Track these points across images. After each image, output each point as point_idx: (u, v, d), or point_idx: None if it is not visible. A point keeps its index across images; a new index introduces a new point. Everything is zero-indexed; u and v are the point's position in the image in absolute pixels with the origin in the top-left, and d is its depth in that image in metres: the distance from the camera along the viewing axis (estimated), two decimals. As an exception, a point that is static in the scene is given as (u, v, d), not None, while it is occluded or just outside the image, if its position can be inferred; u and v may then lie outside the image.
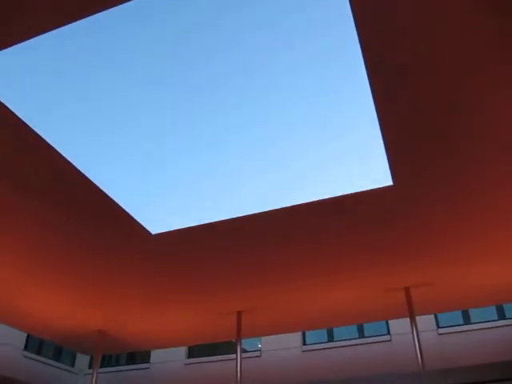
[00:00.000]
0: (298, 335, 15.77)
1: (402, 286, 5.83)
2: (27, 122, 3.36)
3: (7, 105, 3.19)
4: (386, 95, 3.19)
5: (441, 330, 14.25)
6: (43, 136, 3.51)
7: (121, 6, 2.54)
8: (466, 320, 14.45)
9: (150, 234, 4.69)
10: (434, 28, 2.79)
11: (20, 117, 3.30)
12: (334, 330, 15.55)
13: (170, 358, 17.10)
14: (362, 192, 4.05)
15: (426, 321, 14.59)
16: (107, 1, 2.56)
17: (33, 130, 3.44)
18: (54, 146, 3.61)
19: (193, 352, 17.05)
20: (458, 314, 14.66)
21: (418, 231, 4.63)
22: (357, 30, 2.76)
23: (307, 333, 15.92)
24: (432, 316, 14.52)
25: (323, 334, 15.69)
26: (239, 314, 6.58)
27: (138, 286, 5.81)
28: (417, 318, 14.44)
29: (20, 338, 15.89)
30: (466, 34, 2.81)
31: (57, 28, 2.69)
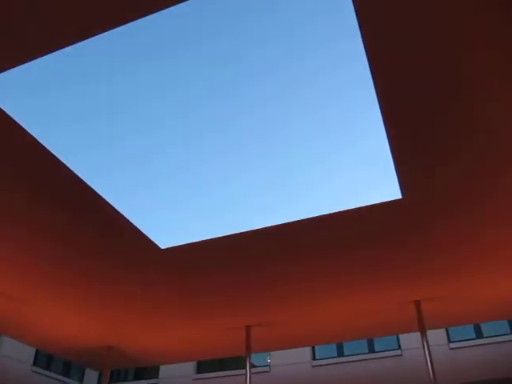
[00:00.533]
0: (307, 350, 15.65)
1: (412, 300, 5.78)
2: (36, 136, 3.41)
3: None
4: (394, 106, 3.20)
5: (452, 345, 14.07)
6: (52, 150, 3.55)
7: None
8: (478, 334, 14.27)
9: (159, 248, 4.70)
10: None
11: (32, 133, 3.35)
12: (344, 344, 15.42)
13: (178, 374, 17.00)
14: (370, 205, 4.04)
15: (437, 335, 14.43)
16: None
17: (44, 146, 3.48)
18: (63, 160, 3.65)
19: (201, 367, 16.95)
20: (470, 328, 14.49)
21: (429, 244, 4.60)
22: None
23: (317, 347, 15.80)
24: (443, 330, 14.37)
25: (333, 348, 15.56)
26: (248, 328, 6.55)
27: (148, 302, 5.80)
28: (428, 332, 14.29)
29: (29, 353, 15.90)
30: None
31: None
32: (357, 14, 2.62)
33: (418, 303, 5.81)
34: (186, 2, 2.55)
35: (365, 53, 2.84)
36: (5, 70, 2.90)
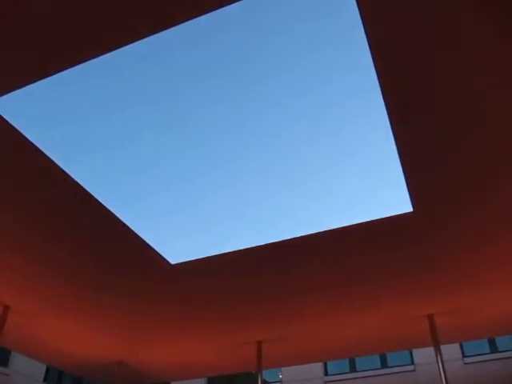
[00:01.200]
0: (319, 365, 15.47)
1: (426, 314, 5.71)
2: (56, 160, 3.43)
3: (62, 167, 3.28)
4: (403, 117, 3.19)
5: (466, 359, 13.85)
6: (63, 167, 3.57)
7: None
8: (493, 348, 14.03)
9: (170, 263, 4.70)
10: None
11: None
12: (356, 359, 15.23)
13: (189, 390, 16.87)
14: (381, 219, 4.02)
15: (451, 349, 14.21)
16: (127, 36, 2.62)
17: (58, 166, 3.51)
18: (70, 173, 3.67)
19: None
20: (485, 342, 14.27)
21: (441, 257, 4.55)
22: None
23: (329, 363, 15.62)
24: (457, 344, 14.17)
25: (345, 364, 15.37)
26: (259, 343, 6.50)
27: (158, 317, 5.78)
28: (442, 346, 14.08)
29: (39, 369, 15.87)
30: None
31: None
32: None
33: (431, 317, 5.74)
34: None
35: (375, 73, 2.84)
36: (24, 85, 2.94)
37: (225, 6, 2.46)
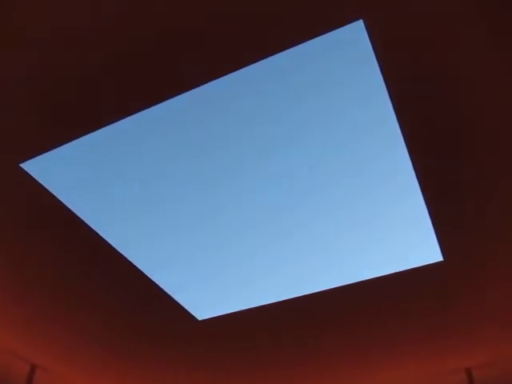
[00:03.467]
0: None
1: (463, 367, 5.47)
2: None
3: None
4: (429, 165, 3.18)
5: (509, 415, 13.05)
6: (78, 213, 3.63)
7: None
8: (537, 402, 13.23)
9: (197, 319, 4.64)
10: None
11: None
12: (391, 416, 14.49)
13: None
14: (410, 269, 3.94)
15: (491, 404, 13.45)
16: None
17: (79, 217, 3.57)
18: (95, 228, 3.72)
19: None
20: (527, 395, 13.48)
21: (476, 307, 4.40)
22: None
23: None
24: (498, 399, 13.42)
25: (379, 421, 14.63)
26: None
27: (185, 378, 5.67)
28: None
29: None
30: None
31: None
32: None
33: (469, 371, 5.49)
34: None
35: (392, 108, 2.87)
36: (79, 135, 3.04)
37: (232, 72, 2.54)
